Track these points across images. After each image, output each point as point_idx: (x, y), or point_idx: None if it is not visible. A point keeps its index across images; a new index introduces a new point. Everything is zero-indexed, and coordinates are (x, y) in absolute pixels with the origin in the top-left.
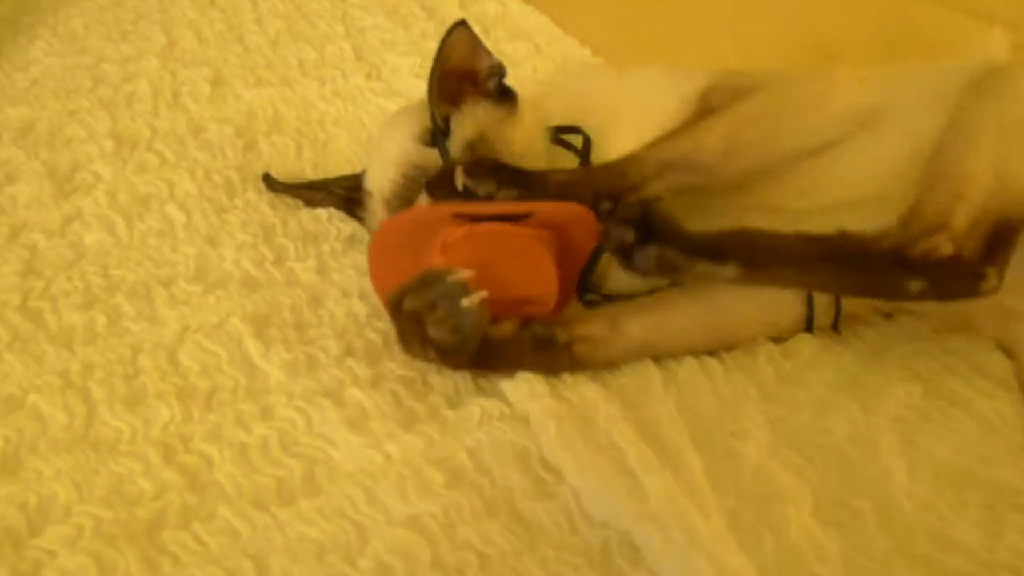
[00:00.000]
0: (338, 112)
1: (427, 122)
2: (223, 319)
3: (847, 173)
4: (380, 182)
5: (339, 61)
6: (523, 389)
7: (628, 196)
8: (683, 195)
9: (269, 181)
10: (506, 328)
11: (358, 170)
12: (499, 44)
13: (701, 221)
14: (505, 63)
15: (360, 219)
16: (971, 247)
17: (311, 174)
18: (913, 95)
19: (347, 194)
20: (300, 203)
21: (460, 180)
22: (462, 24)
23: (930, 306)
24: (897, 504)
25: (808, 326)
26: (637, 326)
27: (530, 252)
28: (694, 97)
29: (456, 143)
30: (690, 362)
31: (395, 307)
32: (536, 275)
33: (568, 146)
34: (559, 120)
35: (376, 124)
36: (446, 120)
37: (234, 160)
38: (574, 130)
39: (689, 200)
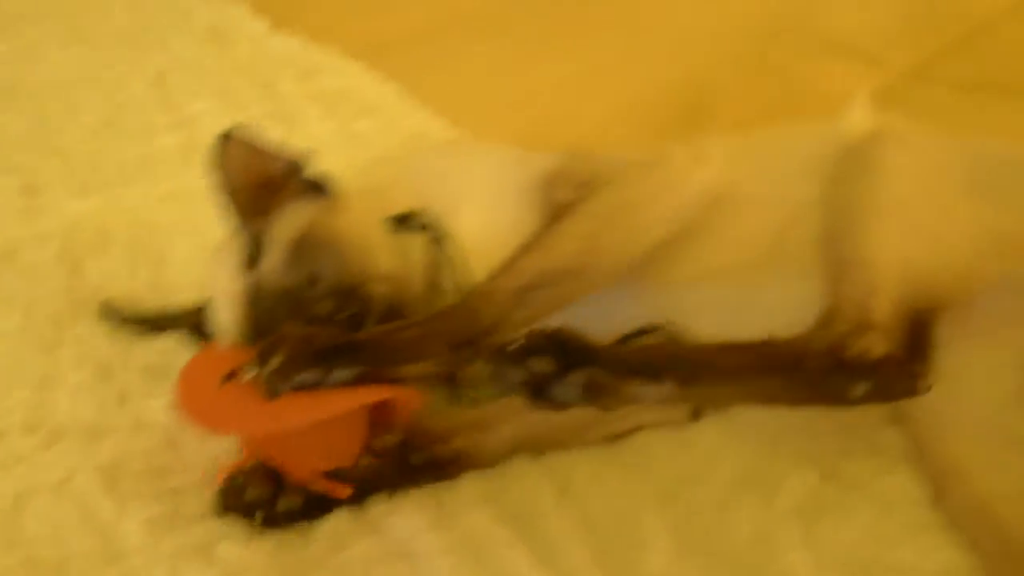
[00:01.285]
0: (172, 219)
1: (245, 250)
2: (67, 475)
3: (719, 246)
4: (227, 325)
5: (169, 156)
6: (410, 525)
7: (486, 340)
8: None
9: (108, 311)
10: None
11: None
12: (345, 123)
13: (597, 320)
14: (355, 142)
15: None
16: (900, 342)
17: (150, 297)
18: (771, 164)
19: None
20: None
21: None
22: (227, 137)
23: None
24: None
25: (696, 413)
26: (513, 427)
27: (333, 427)
28: (533, 185)
29: (275, 256)
30: (583, 470)
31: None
32: (336, 449)
33: (418, 228)
34: (398, 205)
35: (215, 226)
36: (258, 238)
37: (59, 286)
38: (414, 217)
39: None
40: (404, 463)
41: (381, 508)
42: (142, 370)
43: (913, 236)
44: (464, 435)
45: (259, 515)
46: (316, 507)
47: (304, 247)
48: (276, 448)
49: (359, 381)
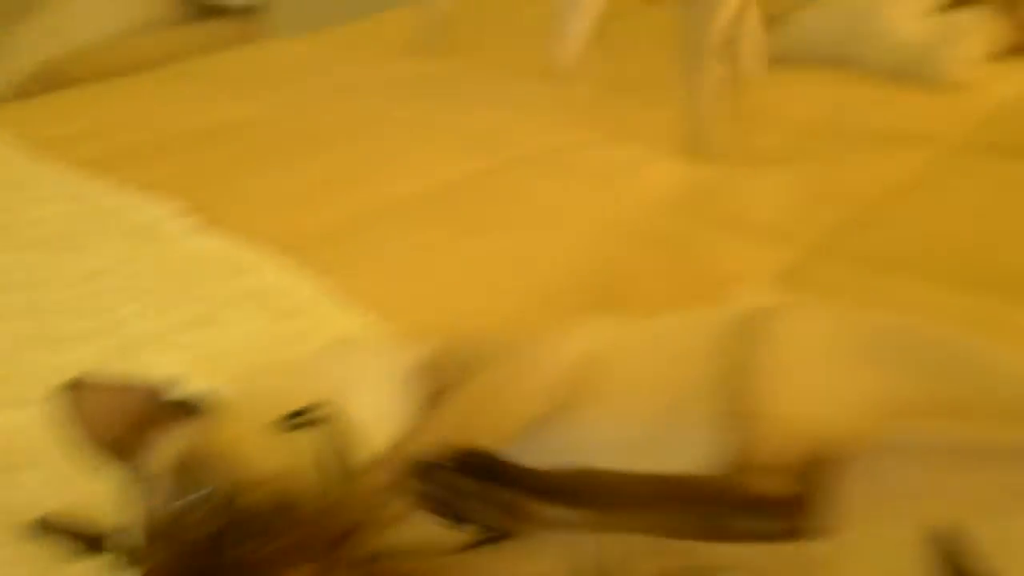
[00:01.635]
0: None
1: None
2: None
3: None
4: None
5: (98, 363)
6: None
7: (359, 538)
8: None
9: (46, 526)
10: None
11: None
12: (273, 323)
13: None
14: (282, 343)
15: None
16: (795, 487)
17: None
18: (664, 334)
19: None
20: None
21: None
22: (76, 385)
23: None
24: None
25: None
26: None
27: None
28: (413, 373)
29: (158, 489)
30: None
31: None
32: None
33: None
34: (284, 405)
35: None
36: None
37: None
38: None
39: None
40: None
41: None
42: None
43: (803, 397)
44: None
45: None
46: None
47: (183, 472)
48: None
49: None
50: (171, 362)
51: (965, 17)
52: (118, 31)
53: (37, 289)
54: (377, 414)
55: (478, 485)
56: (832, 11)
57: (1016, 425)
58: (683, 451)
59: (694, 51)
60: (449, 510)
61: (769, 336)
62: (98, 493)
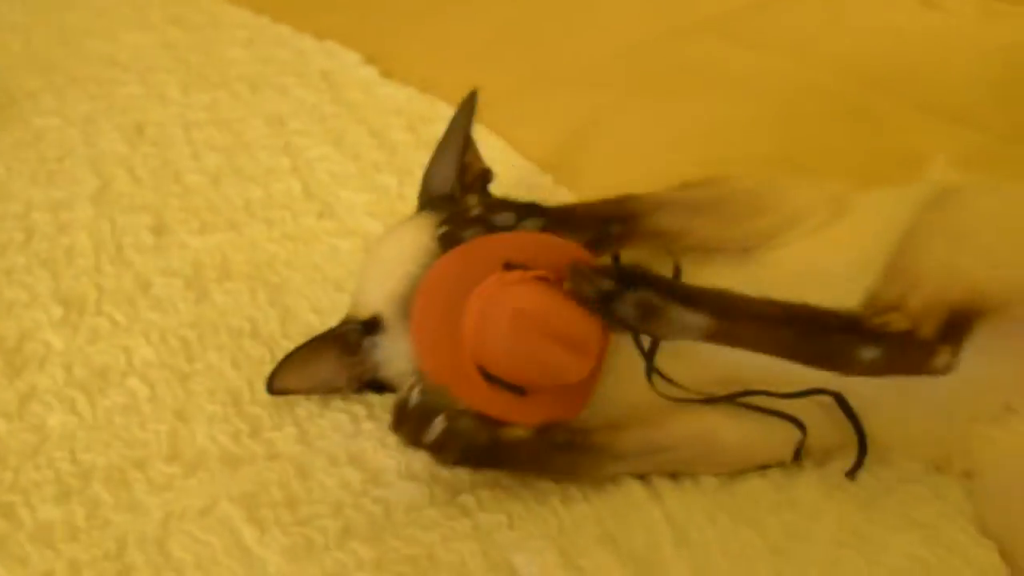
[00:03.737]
0: (289, 254)
1: (434, 227)
2: (210, 503)
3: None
4: (386, 285)
5: (288, 200)
6: (536, 562)
7: (631, 223)
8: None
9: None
10: (519, 431)
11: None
12: None
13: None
14: None
15: (377, 388)
16: (927, 327)
17: (269, 314)
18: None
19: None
20: (265, 360)
21: (475, 210)
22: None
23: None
24: None
25: (797, 455)
26: (634, 437)
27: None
28: None
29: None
30: (697, 518)
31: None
32: (587, 324)
33: None
34: None
35: (330, 264)
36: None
37: (187, 316)
38: None
39: None
40: (549, 441)
41: (507, 540)
42: (268, 402)
43: (971, 255)
44: (602, 432)
45: (440, 423)
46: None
47: None
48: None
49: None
50: (365, 202)
51: None
52: None
53: (231, 127)
54: None
55: (622, 287)
56: None
57: None
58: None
59: None
60: (603, 304)
61: (956, 203)
62: (285, 305)
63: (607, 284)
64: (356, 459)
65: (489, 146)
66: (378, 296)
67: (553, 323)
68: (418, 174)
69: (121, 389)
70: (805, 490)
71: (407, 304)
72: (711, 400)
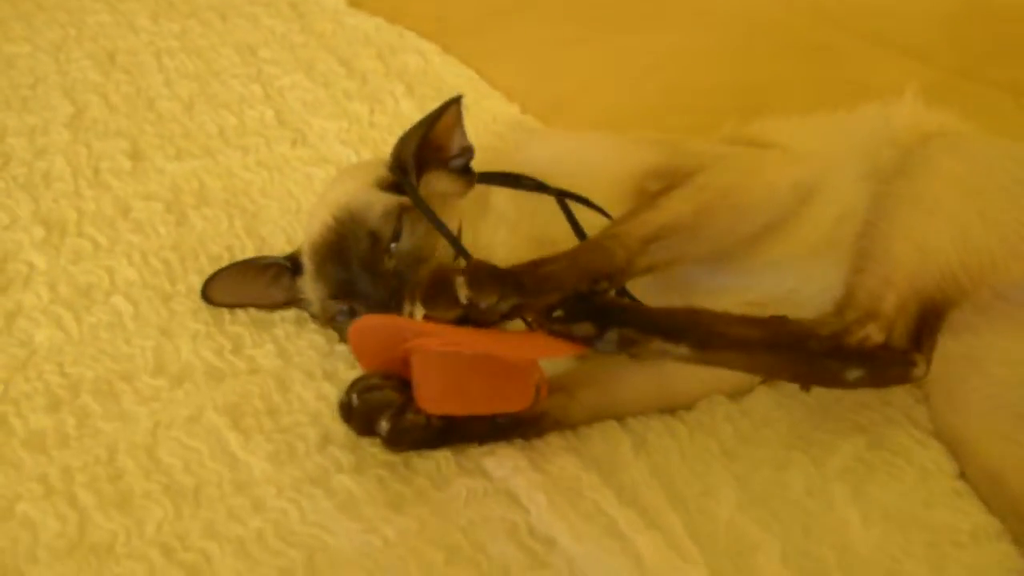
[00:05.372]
0: (264, 182)
1: (383, 173)
2: (196, 413)
3: (789, 237)
4: (312, 227)
5: (261, 127)
6: (506, 465)
7: (617, 277)
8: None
9: (208, 294)
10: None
11: (294, 243)
12: (424, 102)
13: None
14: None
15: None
16: (899, 333)
17: (246, 243)
18: (840, 160)
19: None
20: None
21: (463, 292)
22: (456, 102)
23: None
24: (854, 549)
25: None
26: (592, 393)
27: (507, 373)
28: (632, 175)
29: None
30: (656, 426)
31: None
32: (510, 393)
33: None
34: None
35: (305, 193)
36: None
37: (168, 239)
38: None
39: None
40: (493, 421)
41: (478, 450)
42: (248, 322)
43: (943, 231)
44: (550, 399)
45: (385, 423)
46: (433, 436)
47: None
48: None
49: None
50: (337, 129)
51: None
52: None
53: (203, 55)
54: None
55: (602, 328)
56: None
57: None
58: (816, 297)
59: None
60: (589, 345)
61: (924, 169)
62: (260, 230)
63: (587, 329)
64: (331, 376)
65: (457, 75)
66: (305, 238)
67: (468, 405)
68: (388, 103)
69: (106, 307)
70: (757, 400)
71: (323, 251)
72: None
